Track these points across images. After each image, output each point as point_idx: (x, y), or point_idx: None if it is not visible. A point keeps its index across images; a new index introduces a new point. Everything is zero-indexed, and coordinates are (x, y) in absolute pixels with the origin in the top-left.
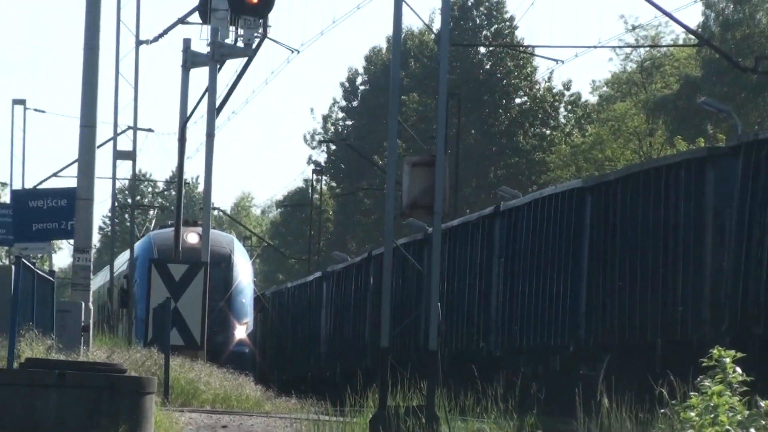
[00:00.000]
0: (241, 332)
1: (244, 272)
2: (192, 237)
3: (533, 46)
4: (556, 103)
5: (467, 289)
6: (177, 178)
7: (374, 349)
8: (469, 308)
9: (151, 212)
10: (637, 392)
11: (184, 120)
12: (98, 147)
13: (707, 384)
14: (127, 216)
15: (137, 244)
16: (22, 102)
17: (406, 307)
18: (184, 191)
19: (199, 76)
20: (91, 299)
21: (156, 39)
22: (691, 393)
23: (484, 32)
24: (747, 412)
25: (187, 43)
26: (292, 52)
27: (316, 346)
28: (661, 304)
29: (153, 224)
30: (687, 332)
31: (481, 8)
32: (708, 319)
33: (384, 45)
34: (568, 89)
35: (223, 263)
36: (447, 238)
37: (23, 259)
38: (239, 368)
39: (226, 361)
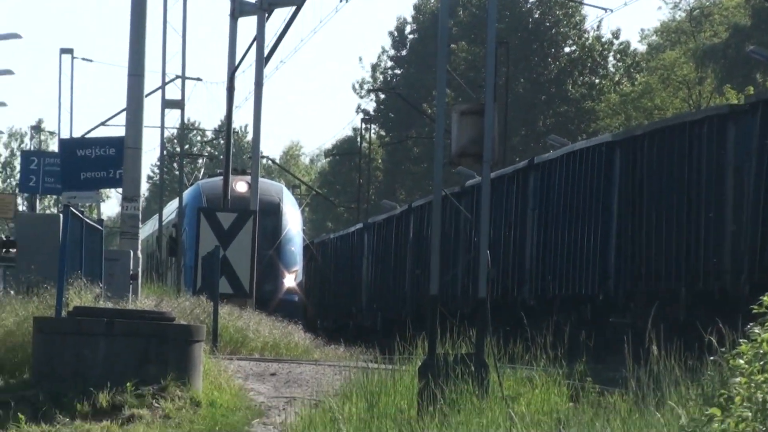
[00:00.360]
0: (290, 280)
1: (293, 221)
2: (241, 185)
3: None
4: (605, 52)
5: (502, 241)
6: (225, 127)
7: (414, 299)
8: (504, 259)
9: (200, 161)
10: (668, 339)
11: (232, 69)
12: (146, 96)
13: (757, 331)
14: (175, 165)
15: (186, 193)
16: (69, 51)
17: (446, 258)
18: (232, 140)
19: (248, 25)
20: (139, 248)
21: None
22: (741, 340)
23: None
24: None
25: None
26: (341, 0)
27: (357, 296)
28: (685, 255)
29: (202, 173)
30: (709, 282)
31: None
32: (729, 269)
33: None
34: (617, 38)
35: (273, 212)
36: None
37: (71, 208)
38: (288, 316)
39: (276, 309)
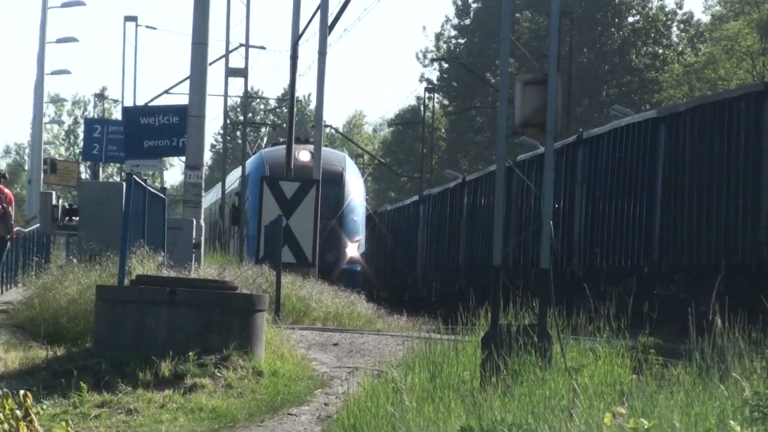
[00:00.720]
0: (352, 250)
1: (355, 190)
2: (303, 155)
3: None
4: (669, 22)
5: (552, 214)
6: (289, 96)
7: (467, 270)
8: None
9: (263, 130)
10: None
11: (296, 38)
12: (210, 64)
13: None
14: (238, 133)
15: (249, 162)
16: (133, 19)
17: (520, 226)
18: (295, 109)
19: None
20: (202, 216)
21: None
22: None
23: None
24: None
25: None
26: None
27: (413, 268)
28: (724, 229)
29: (265, 142)
30: (746, 255)
31: None
32: (765, 241)
33: None
34: (680, 8)
35: (335, 181)
36: (534, 165)
37: (134, 176)
38: (351, 286)
39: (338, 278)
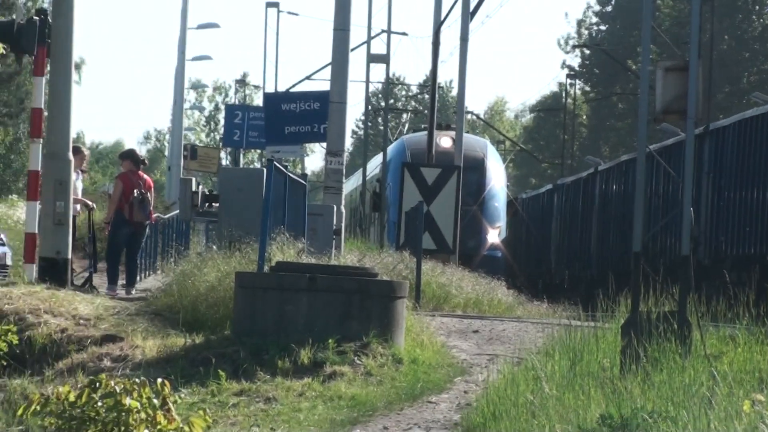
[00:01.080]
0: (493, 236)
1: (497, 176)
2: (445, 141)
3: None
4: None
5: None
6: (430, 82)
7: (599, 258)
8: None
9: (404, 116)
10: None
11: (438, 24)
12: (352, 50)
13: None
14: (380, 120)
15: (390, 148)
16: (275, 5)
17: (648, 214)
18: (437, 95)
19: None
20: (342, 203)
21: None
22: None
23: None
24: None
25: None
26: None
27: (547, 255)
28: None
29: (406, 128)
30: None
31: None
32: None
33: None
34: None
35: (477, 167)
36: (667, 153)
37: (275, 162)
38: (492, 272)
39: (479, 265)
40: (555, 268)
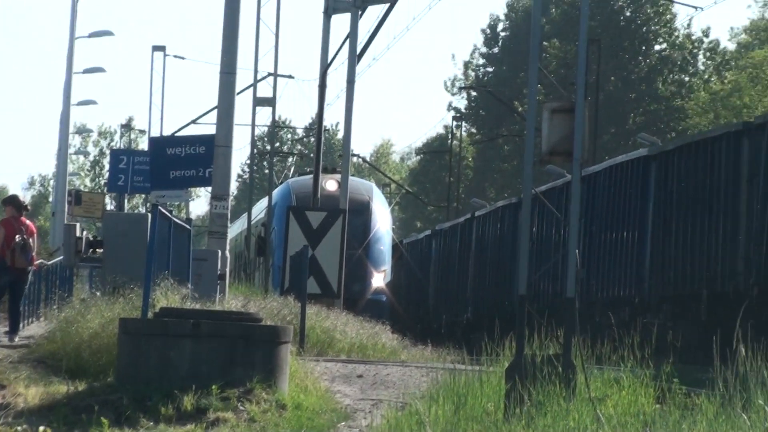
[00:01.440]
0: (378, 280)
1: (382, 220)
2: (331, 184)
3: None
4: (695, 50)
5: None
6: (317, 125)
7: (475, 302)
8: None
9: (290, 159)
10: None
11: (324, 66)
12: (238, 94)
13: None
14: (265, 163)
15: (275, 192)
16: (161, 49)
17: (506, 260)
18: (323, 138)
19: (341, 22)
20: (227, 247)
21: None
22: None
23: None
24: None
25: None
26: None
27: (425, 299)
28: (706, 259)
29: (292, 171)
30: (725, 284)
31: None
32: (742, 271)
33: None
34: (707, 36)
35: (362, 210)
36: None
37: (160, 207)
38: (376, 316)
39: (363, 309)
40: (433, 312)
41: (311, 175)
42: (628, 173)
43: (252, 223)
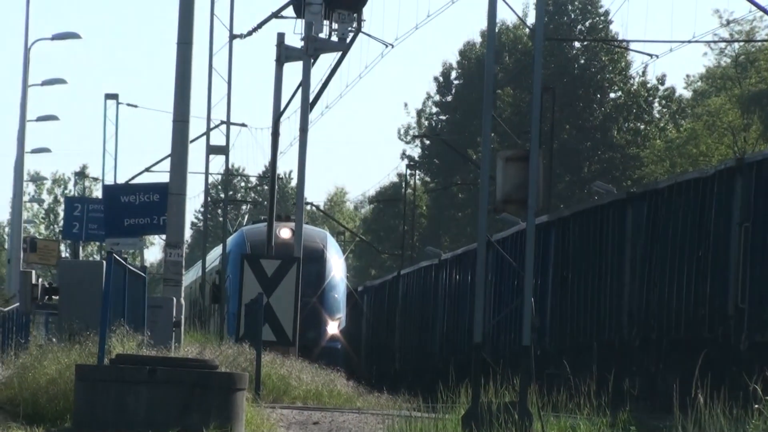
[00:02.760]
0: (333, 328)
1: (337, 267)
2: (285, 232)
3: (628, 41)
4: (651, 98)
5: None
6: (270, 173)
7: (402, 355)
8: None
9: (244, 207)
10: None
11: (277, 115)
12: (191, 142)
13: None
14: (219, 211)
15: (230, 239)
16: (114, 97)
17: (461, 307)
18: (277, 186)
19: (293, 70)
20: (182, 295)
21: (249, 33)
22: None
23: (579, 27)
24: None
25: (281, 37)
26: (387, 46)
27: (385, 347)
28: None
29: (246, 219)
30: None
31: (576, 3)
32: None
33: (478, 39)
34: (662, 84)
35: (317, 258)
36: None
37: (114, 255)
38: (331, 364)
39: (319, 356)
40: (364, 363)
41: (266, 223)
42: (578, 224)
43: (207, 270)
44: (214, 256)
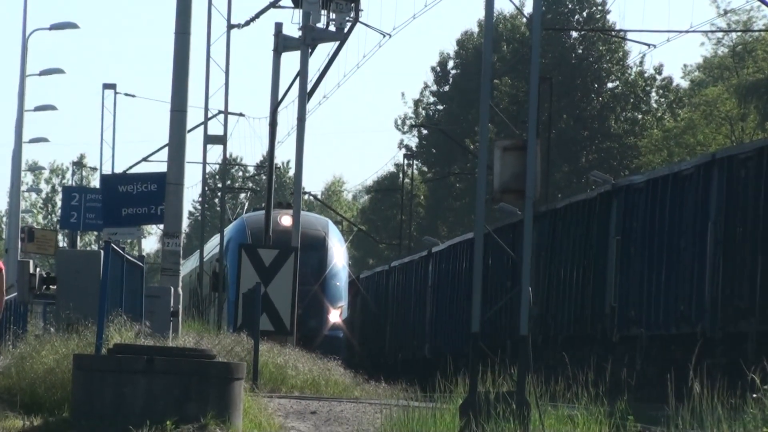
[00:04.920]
0: (335, 316)
1: (338, 255)
2: (286, 219)
3: (625, 31)
4: (648, 88)
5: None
6: (268, 163)
7: (393, 345)
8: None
9: (242, 195)
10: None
11: (275, 104)
12: (189, 131)
13: None
14: (217, 201)
15: (230, 227)
16: (112, 86)
17: (498, 292)
18: (275, 176)
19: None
20: (180, 284)
21: (247, 23)
22: None
23: (576, 17)
24: None
25: (278, 27)
26: (384, 36)
27: (382, 335)
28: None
29: (246, 207)
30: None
31: None
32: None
33: (476, 29)
34: (659, 74)
35: (318, 246)
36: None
37: (112, 244)
38: (333, 353)
39: (320, 345)
40: (388, 349)
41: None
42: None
43: (206, 259)
44: (212, 245)
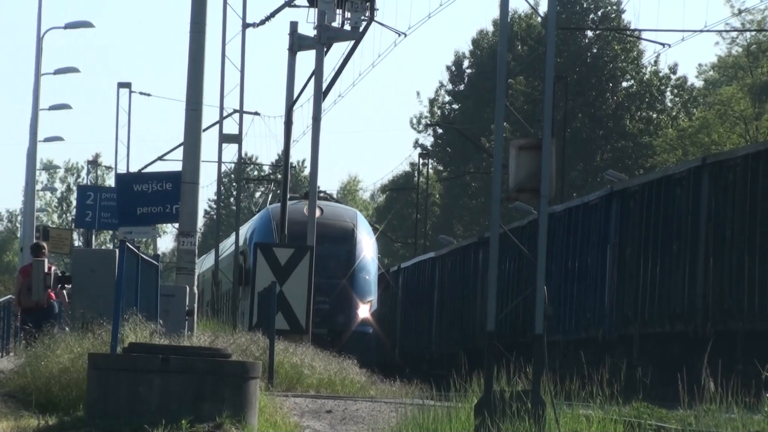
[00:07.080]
0: (364, 311)
1: (367, 248)
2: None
3: (640, 30)
4: (663, 87)
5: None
6: (283, 162)
7: (440, 343)
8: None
9: (257, 194)
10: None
11: (290, 103)
12: (204, 130)
13: None
14: (232, 200)
15: (255, 218)
16: (127, 85)
17: (515, 292)
18: (290, 175)
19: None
20: (195, 283)
21: (263, 22)
22: None
23: (591, 16)
24: None
25: (293, 26)
26: (399, 35)
27: (393, 334)
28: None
29: (270, 198)
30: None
31: None
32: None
33: (491, 28)
34: (674, 73)
35: (346, 238)
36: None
37: (127, 243)
38: (361, 349)
39: (348, 341)
40: (399, 347)
41: (295, 201)
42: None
43: (229, 255)
44: (227, 244)
